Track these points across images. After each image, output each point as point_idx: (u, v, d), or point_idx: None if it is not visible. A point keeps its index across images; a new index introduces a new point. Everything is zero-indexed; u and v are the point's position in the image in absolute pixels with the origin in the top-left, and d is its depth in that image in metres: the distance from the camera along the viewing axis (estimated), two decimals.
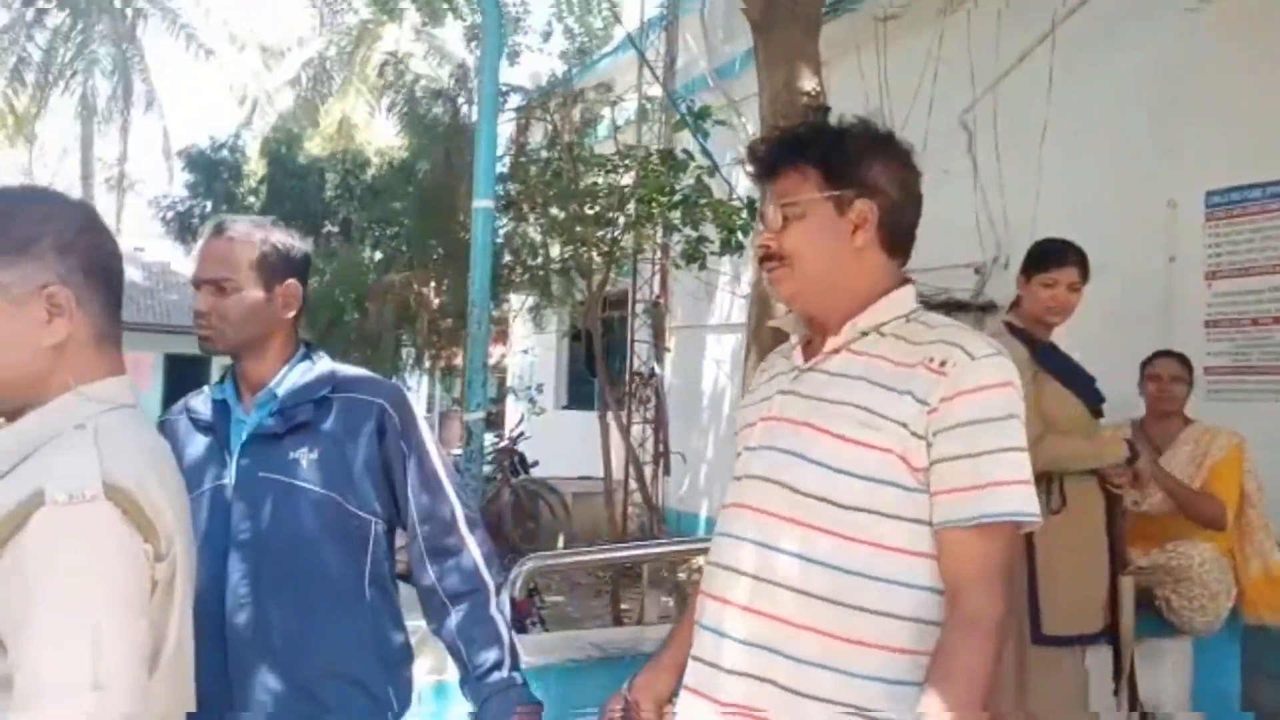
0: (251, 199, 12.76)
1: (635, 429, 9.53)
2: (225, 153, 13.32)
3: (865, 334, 1.61)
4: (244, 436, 1.90)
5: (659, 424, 9.57)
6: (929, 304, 6.18)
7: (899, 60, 7.34)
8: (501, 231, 8.54)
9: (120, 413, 1.36)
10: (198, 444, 1.93)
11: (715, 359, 10.28)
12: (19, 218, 1.33)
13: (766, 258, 1.66)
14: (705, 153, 7.04)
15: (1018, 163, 6.67)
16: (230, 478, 1.88)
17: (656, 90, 9.64)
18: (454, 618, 1.95)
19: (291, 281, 1.98)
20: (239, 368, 2.00)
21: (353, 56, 20.68)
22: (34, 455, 1.27)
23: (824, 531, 1.52)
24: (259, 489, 1.86)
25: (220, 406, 1.97)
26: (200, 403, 2.00)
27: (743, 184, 8.64)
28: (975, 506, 1.48)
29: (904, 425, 1.51)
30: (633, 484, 8.65)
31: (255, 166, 12.87)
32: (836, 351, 1.62)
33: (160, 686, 1.30)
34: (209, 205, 13.33)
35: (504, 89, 7.85)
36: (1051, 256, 3.39)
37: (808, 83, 4.94)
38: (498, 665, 1.92)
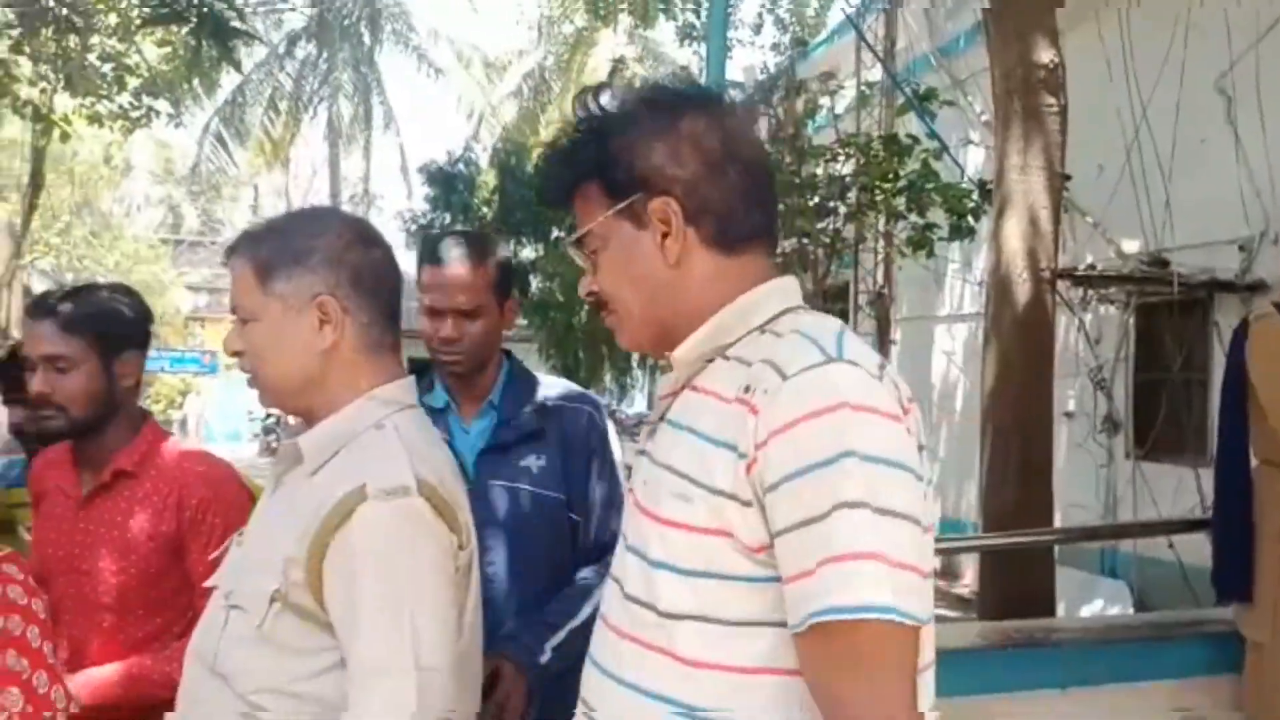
0: (485, 209, 13.49)
1: None
2: (460, 167, 14.13)
3: (710, 361, 1.19)
4: (477, 448, 1.98)
5: None
6: (1186, 284, 5.61)
7: (1144, 24, 6.81)
8: None
9: (408, 413, 1.46)
10: None
11: (945, 351, 9.91)
12: (295, 235, 1.46)
13: (596, 307, 1.28)
14: (933, 134, 6.80)
15: None
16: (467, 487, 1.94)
17: (875, 74, 9.40)
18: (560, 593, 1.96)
19: (514, 296, 2.07)
20: (454, 380, 2.05)
21: (569, 64, 21.43)
22: (340, 453, 1.39)
23: (654, 650, 1.12)
24: (493, 497, 1.93)
25: (440, 415, 1.99)
26: None
27: (973, 165, 8.29)
28: (804, 605, 1.02)
29: (720, 491, 1.08)
30: None
31: (487, 178, 13.58)
32: (677, 393, 1.21)
33: (463, 646, 1.40)
34: (448, 217, 14.20)
35: (726, 84, 7.92)
36: None
37: (1044, 55, 4.67)
38: (538, 636, 1.89)
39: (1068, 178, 6.61)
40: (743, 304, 1.19)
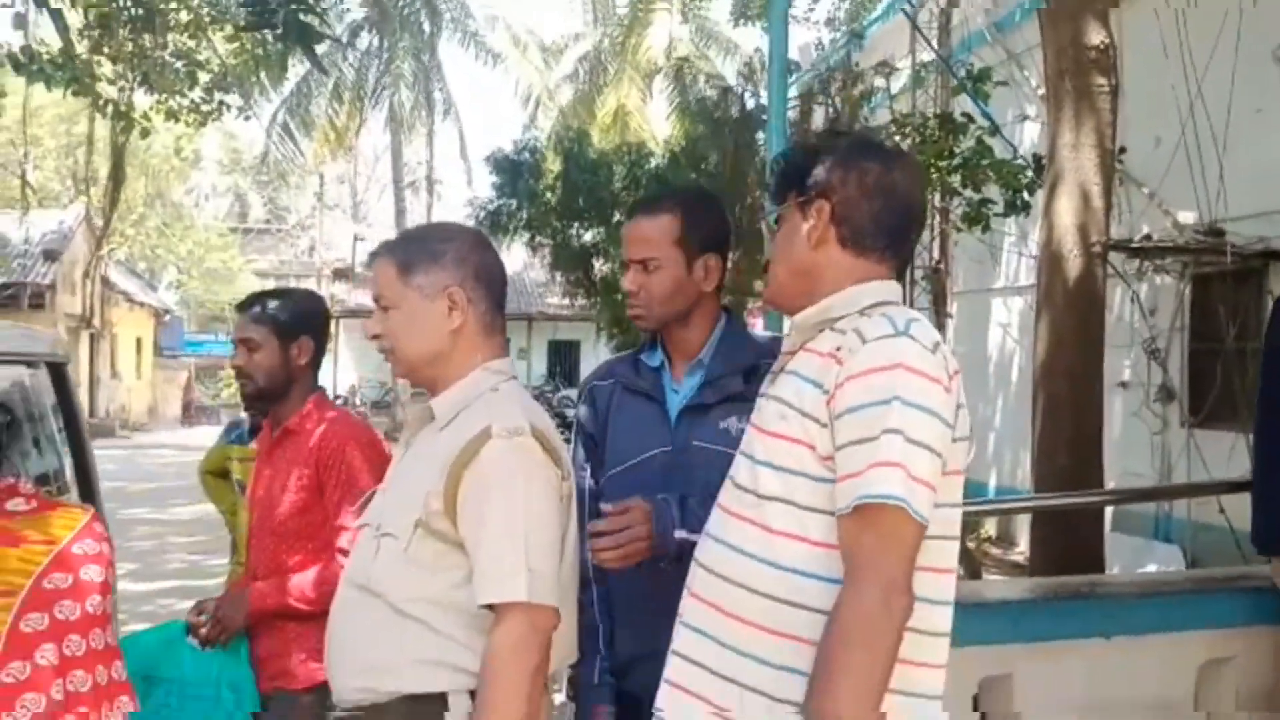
0: (549, 195, 13.80)
1: None
2: (526, 154, 14.43)
3: (821, 331, 1.61)
4: (678, 408, 2.02)
5: None
6: (1241, 254, 5.75)
7: None
8: None
9: (512, 382, 1.85)
10: (638, 409, 2.06)
11: (1001, 323, 9.99)
12: (431, 240, 1.86)
13: (764, 268, 1.80)
14: (986, 115, 6.92)
15: None
16: (670, 444, 2.00)
17: (932, 53, 9.46)
18: None
19: (713, 256, 2.04)
20: (667, 337, 2.07)
21: (624, 45, 21.58)
22: (465, 411, 1.75)
23: (747, 521, 1.56)
24: (694, 456, 1.97)
25: (653, 374, 2.07)
26: (627, 369, 2.12)
27: (1029, 140, 8.36)
28: (851, 492, 1.45)
29: (809, 415, 1.52)
30: None
31: (551, 165, 13.85)
32: (793, 353, 1.64)
33: (564, 573, 1.74)
34: (514, 204, 14.53)
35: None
36: None
37: (1095, 37, 4.80)
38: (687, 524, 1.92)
39: (1123, 150, 6.71)
40: (853, 292, 1.61)
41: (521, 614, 1.61)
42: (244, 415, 3.46)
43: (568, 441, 2.00)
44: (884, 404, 1.45)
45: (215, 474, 3.53)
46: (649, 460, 2.00)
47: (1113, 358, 7.34)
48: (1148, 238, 7.30)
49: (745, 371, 1.98)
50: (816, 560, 1.50)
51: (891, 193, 1.66)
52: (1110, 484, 6.31)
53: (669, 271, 2.00)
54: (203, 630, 2.39)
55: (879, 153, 1.72)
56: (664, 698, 1.62)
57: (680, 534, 1.85)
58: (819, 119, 8.65)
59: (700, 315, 2.05)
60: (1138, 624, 2.86)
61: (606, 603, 2.05)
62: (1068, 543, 4.76)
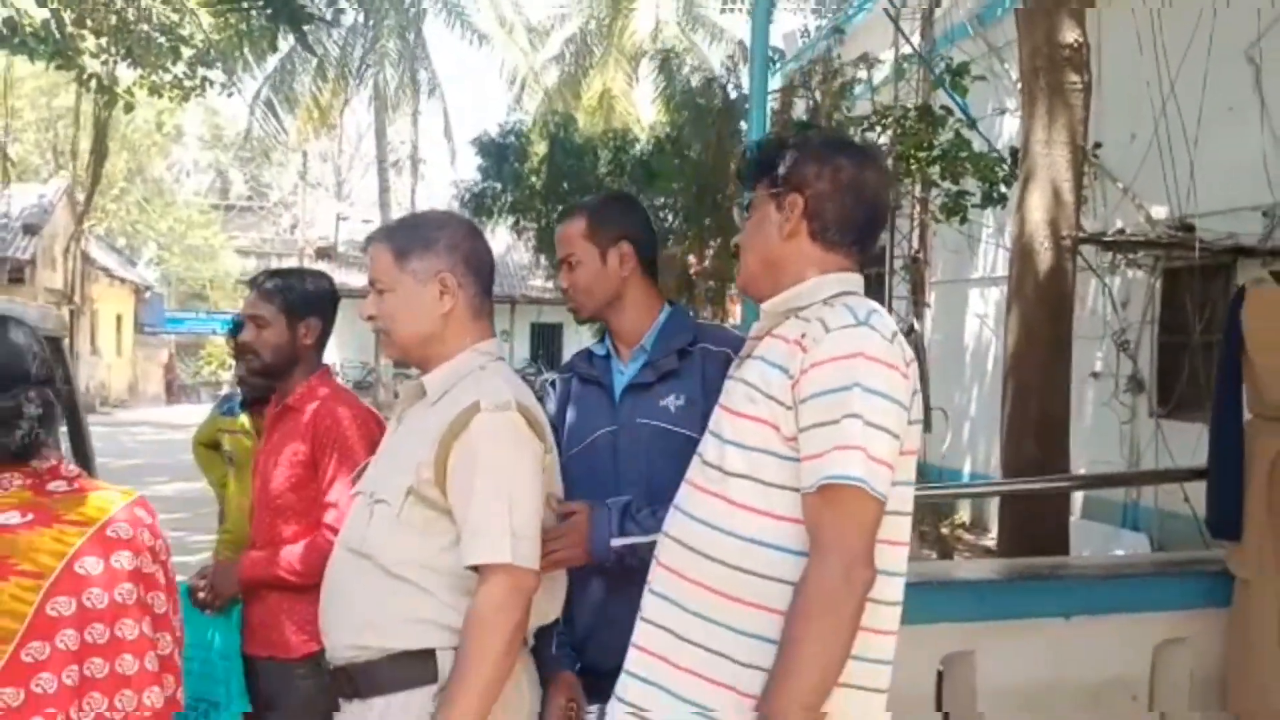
0: (534, 179, 13.84)
1: None
2: (511, 138, 14.45)
3: (788, 318, 1.70)
4: (620, 388, 2.16)
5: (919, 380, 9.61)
6: (1210, 249, 5.87)
7: None
8: None
9: (499, 362, 1.96)
10: (587, 395, 2.20)
11: (978, 313, 10.14)
12: (425, 227, 1.97)
13: (734, 253, 1.88)
14: (964, 110, 7.03)
15: None
16: (615, 423, 2.13)
17: (915, 45, 9.55)
18: None
19: (624, 244, 2.17)
20: (610, 328, 2.23)
21: (611, 28, 21.54)
22: (454, 388, 1.87)
23: (714, 495, 1.65)
24: (639, 433, 2.08)
25: (603, 362, 2.22)
26: (581, 361, 2.28)
27: (1005, 135, 8.48)
28: (815, 472, 1.55)
29: (774, 398, 1.62)
30: None
31: (536, 148, 13.88)
32: (760, 338, 1.74)
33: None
34: (499, 186, 14.58)
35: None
36: None
37: (1069, 35, 4.90)
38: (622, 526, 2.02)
39: (1098, 146, 6.84)
40: (817, 282, 1.72)
41: (505, 575, 1.73)
42: (237, 389, 3.53)
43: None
44: (845, 390, 1.54)
45: (207, 445, 3.61)
46: (597, 440, 2.12)
47: (1085, 349, 7.50)
48: (1121, 232, 7.43)
49: (680, 350, 2.12)
50: (781, 533, 1.59)
51: (861, 190, 1.75)
52: (1080, 472, 6.46)
53: (586, 265, 2.17)
54: (200, 594, 2.49)
55: (851, 151, 1.82)
56: (631, 660, 1.71)
57: (617, 543, 1.94)
58: (800, 110, 8.74)
59: (635, 304, 2.19)
60: (1097, 604, 2.95)
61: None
62: (1034, 528, 4.90)
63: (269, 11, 5.53)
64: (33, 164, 27.49)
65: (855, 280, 1.75)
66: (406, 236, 1.93)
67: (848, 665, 1.53)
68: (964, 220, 7.31)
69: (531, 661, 1.93)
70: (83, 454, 3.22)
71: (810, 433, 1.56)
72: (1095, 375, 8.22)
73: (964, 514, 10.04)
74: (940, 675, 2.78)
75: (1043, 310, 4.97)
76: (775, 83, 9.01)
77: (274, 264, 10.98)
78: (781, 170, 1.76)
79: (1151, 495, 7.36)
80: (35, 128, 27.48)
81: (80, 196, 22.63)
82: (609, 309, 2.19)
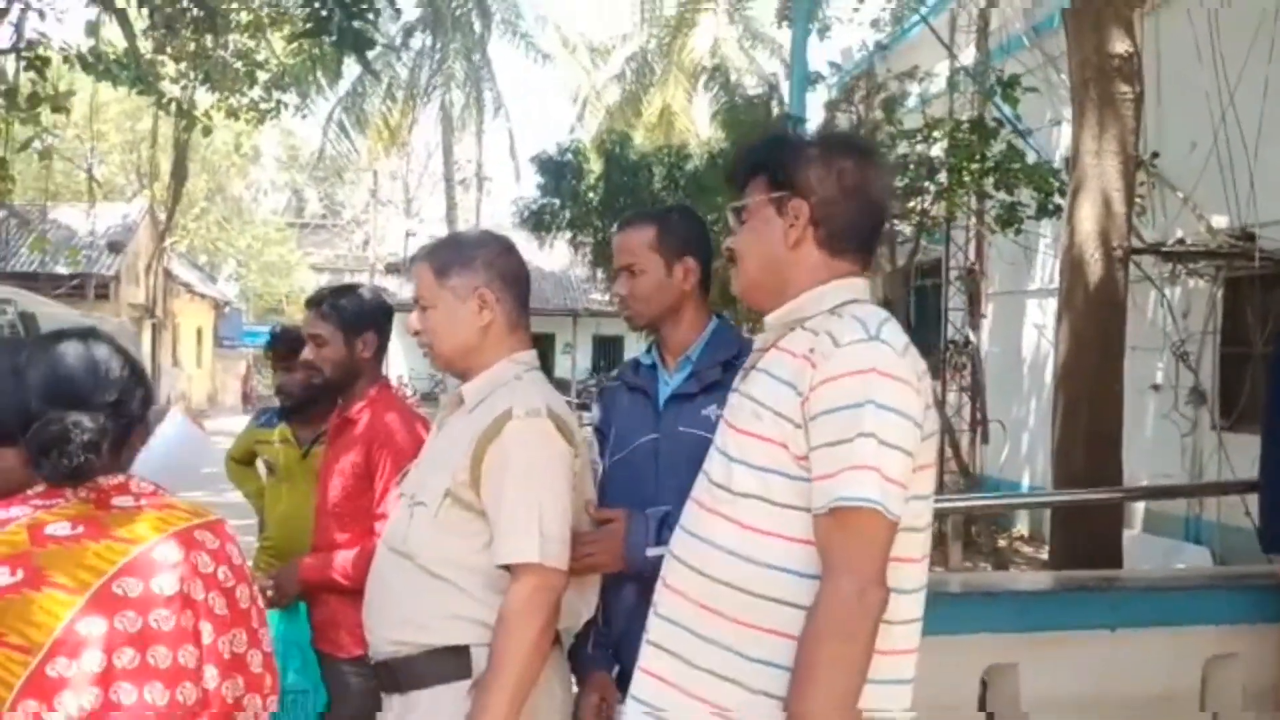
0: (591, 195, 14.07)
1: (951, 397, 9.56)
2: (569, 156, 14.70)
3: (793, 329, 1.64)
4: (665, 398, 2.18)
5: (975, 392, 9.55)
6: (1271, 258, 5.75)
7: (1232, 3, 6.88)
8: None
9: (535, 373, 2.06)
10: (633, 404, 2.24)
11: (1035, 324, 10.02)
12: (465, 244, 2.10)
13: (730, 259, 1.77)
14: (1014, 120, 7.01)
15: None
16: (659, 432, 2.16)
17: (970, 56, 9.52)
18: None
19: (689, 258, 2.20)
20: (660, 338, 2.25)
21: (671, 46, 21.71)
22: (490, 396, 1.98)
23: (722, 517, 1.59)
24: (680, 442, 2.08)
25: (649, 371, 2.25)
26: (629, 370, 2.33)
27: (1063, 144, 8.41)
28: (827, 493, 1.49)
29: (783, 415, 1.55)
30: (948, 452, 8.74)
31: (594, 165, 14.09)
32: (765, 350, 1.68)
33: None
34: (557, 203, 14.87)
35: (813, 76, 8.19)
36: None
37: (1119, 45, 4.87)
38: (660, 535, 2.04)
39: (1155, 155, 6.76)
40: (822, 291, 1.65)
41: (534, 574, 1.82)
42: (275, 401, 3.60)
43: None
44: (858, 407, 1.49)
45: (240, 460, 3.73)
46: (639, 447, 2.17)
47: (1144, 360, 7.39)
48: (1180, 241, 7.32)
49: (724, 362, 2.12)
50: (792, 555, 1.54)
51: (868, 193, 1.68)
52: (1142, 484, 6.35)
53: (650, 275, 2.19)
54: (268, 593, 2.59)
55: (853, 150, 1.74)
56: (639, 685, 1.67)
57: (653, 552, 1.93)
58: (844, 125, 8.76)
59: (689, 317, 2.22)
60: (1143, 617, 2.91)
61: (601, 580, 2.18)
62: (1087, 541, 4.83)
63: (334, 39, 5.76)
64: (117, 184, 28.57)
65: (861, 286, 1.69)
66: (446, 255, 2.04)
67: (864, 690, 1.48)
68: (1018, 231, 7.27)
69: (565, 661, 2.01)
70: None
71: (821, 452, 1.51)
72: (1156, 388, 8.09)
73: (1023, 526, 9.92)
74: (984, 686, 2.76)
75: (1093, 321, 4.93)
76: (830, 96, 9.06)
77: (347, 279, 11.28)
78: (782, 172, 1.68)
79: (1214, 509, 7.22)
80: (120, 150, 28.58)
81: (162, 215, 23.47)
82: (664, 320, 2.22)
